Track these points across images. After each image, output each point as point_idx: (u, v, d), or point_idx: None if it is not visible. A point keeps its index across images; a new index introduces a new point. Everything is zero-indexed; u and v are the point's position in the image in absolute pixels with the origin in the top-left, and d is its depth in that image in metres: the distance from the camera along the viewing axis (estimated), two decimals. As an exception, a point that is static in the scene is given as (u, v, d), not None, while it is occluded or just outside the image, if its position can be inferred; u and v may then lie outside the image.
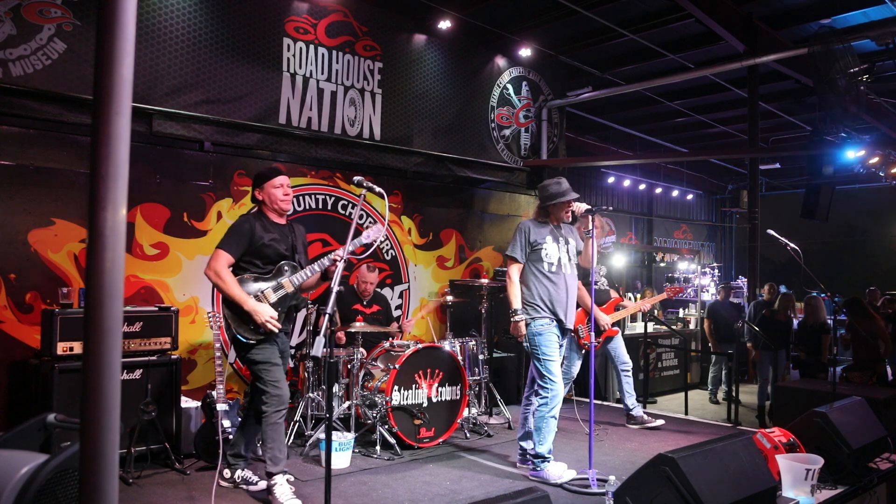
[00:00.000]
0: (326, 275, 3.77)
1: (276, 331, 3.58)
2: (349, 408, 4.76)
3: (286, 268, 3.72)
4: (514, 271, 4.26)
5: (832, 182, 7.80)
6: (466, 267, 7.30)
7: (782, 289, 8.96)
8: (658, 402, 7.71)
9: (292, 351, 5.74)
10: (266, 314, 3.54)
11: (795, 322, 7.85)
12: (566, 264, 4.28)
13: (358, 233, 3.51)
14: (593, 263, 4.24)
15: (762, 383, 7.21)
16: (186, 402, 4.59)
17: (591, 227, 4.18)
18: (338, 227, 6.09)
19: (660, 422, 5.67)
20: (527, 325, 4.21)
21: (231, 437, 4.22)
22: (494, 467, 4.45)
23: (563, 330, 4.28)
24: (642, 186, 12.63)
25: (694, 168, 14.06)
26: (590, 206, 4.26)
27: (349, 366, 4.92)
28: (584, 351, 5.34)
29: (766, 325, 7.23)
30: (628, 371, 5.72)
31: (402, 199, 6.68)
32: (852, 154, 6.99)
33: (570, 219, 4.40)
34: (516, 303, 4.22)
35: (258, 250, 3.64)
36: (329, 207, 6.16)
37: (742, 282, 10.76)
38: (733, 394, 6.56)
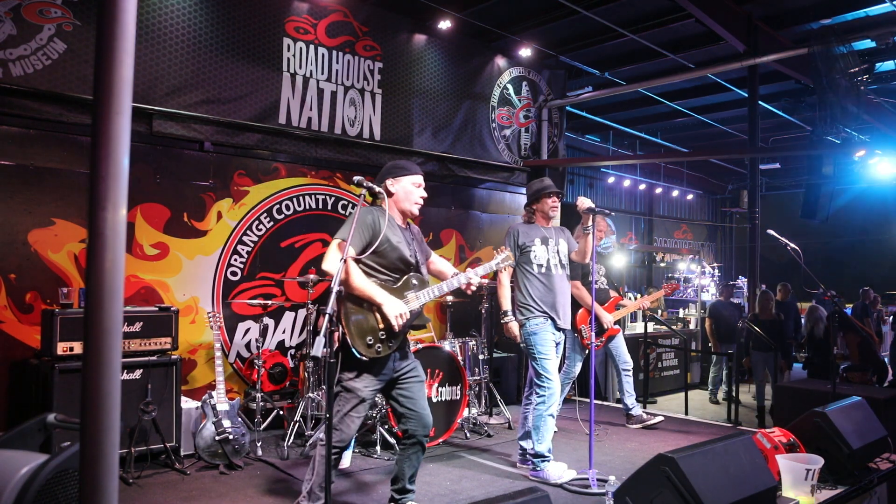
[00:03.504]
0: (458, 291, 3.35)
1: (401, 327, 3.04)
2: (349, 408, 4.75)
3: (414, 281, 3.18)
4: (504, 275, 4.28)
5: (832, 182, 7.81)
6: (466, 267, 7.29)
7: (788, 289, 8.92)
8: (658, 402, 7.71)
9: (292, 351, 5.75)
10: (399, 308, 3.01)
11: (801, 325, 7.84)
12: (556, 265, 4.29)
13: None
14: (593, 262, 4.25)
15: (758, 384, 7.22)
16: (186, 402, 4.59)
17: (590, 224, 4.17)
18: (338, 228, 6.05)
19: (659, 418, 5.68)
20: (522, 325, 4.23)
21: (231, 436, 4.22)
22: (494, 467, 4.45)
23: (558, 328, 4.29)
24: (642, 186, 12.63)
25: (694, 168, 14.06)
26: (592, 206, 4.21)
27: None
28: (586, 351, 5.34)
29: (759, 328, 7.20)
30: (629, 371, 5.72)
31: (402, 199, 6.67)
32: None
33: (556, 212, 4.40)
34: (506, 304, 4.25)
35: (383, 252, 3.08)
36: (329, 207, 6.16)
37: (742, 282, 10.76)
38: (733, 394, 6.56)
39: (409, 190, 3.25)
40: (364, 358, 2.99)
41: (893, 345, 9.17)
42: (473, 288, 3.31)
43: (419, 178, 3.29)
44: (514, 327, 4.23)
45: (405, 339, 3.25)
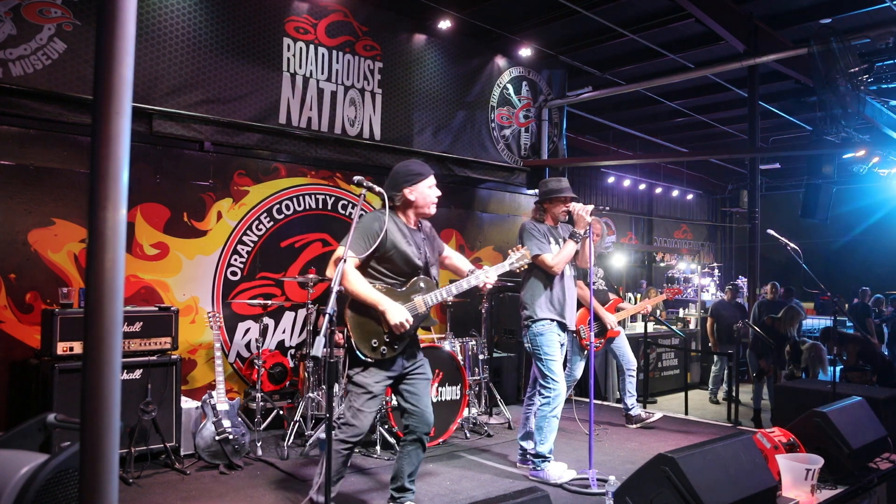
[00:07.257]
0: (468, 293, 3.34)
1: (406, 331, 3.08)
2: (349, 408, 4.75)
3: (421, 284, 3.22)
4: (547, 258, 4.14)
5: (832, 182, 7.81)
6: (467, 267, 7.28)
7: (777, 289, 8.90)
8: (658, 402, 7.71)
9: (292, 351, 5.75)
10: (402, 315, 3.03)
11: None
12: (567, 266, 4.28)
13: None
14: (591, 263, 4.24)
15: (758, 386, 7.21)
16: (186, 402, 4.59)
17: (587, 228, 4.16)
18: (338, 227, 6.08)
19: (658, 415, 5.68)
20: (528, 326, 4.21)
21: (231, 436, 4.22)
22: (494, 467, 4.45)
23: (563, 329, 4.28)
24: (642, 186, 12.62)
25: (694, 168, 14.05)
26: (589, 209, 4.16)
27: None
28: (585, 352, 5.33)
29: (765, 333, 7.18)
30: (633, 372, 5.71)
31: (402, 199, 6.67)
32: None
33: (567, 217, 4.38)
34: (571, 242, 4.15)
35: (389, 257, 3.13)
36: (329, 207, 6.15)
37: (742, 281, 10.75)
38: (733, 394, 6.56)
39: (426, 194, 3.26)
40: (369, 359, 3.08)
41: (890, 343, 9.17)
42: (489, 287, 3.36)
43: (432, 180, 3.30)
44: (584, 213, 4.07)
45: (415, 339, 3.29)
